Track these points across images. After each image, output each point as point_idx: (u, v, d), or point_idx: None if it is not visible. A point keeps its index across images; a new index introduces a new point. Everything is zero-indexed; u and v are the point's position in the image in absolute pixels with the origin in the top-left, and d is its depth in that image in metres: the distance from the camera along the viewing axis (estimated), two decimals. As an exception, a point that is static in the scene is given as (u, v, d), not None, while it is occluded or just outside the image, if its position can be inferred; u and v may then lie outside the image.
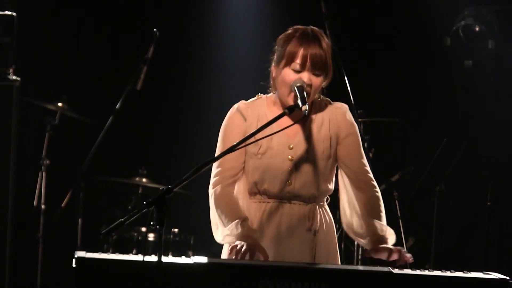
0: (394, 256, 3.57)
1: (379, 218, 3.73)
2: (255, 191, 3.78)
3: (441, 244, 7.05)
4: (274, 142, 3.73)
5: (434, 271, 3.36)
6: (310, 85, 3.65)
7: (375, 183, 3.81)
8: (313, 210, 3.77)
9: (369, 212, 3.73)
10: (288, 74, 3.68)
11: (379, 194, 3.80)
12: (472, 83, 7.23)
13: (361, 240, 3.78)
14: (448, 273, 3.34)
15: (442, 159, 6.85)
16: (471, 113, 7.32)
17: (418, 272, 3.40)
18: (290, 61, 3.68)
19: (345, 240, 6.39)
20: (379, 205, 3.77)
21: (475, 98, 7.27)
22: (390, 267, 3.37)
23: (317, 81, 3.68)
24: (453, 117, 7.39)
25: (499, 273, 3.41)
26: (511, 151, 7.19)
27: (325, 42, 3.72)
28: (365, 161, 3.83)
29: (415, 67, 7.44)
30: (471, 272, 3.37)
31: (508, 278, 3.36)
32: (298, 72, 3.66)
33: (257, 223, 3.74)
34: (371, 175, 3.81)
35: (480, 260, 7.26)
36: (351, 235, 3.85)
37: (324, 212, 3.83)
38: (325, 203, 3.86)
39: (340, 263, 4.01)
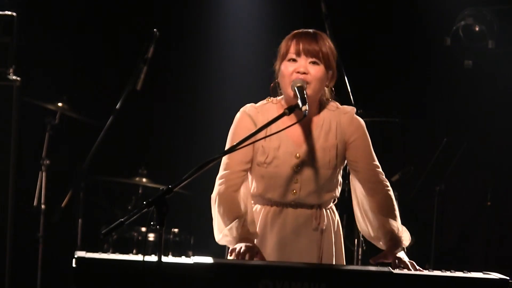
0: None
1: (394, 217, 3.71)
2: (259, 197, 3.77)
3: (441, 244, 7.04)
4: (281, 151, 3.71)
5: (434, 271, 3.36)
6: (306, 73, 3.62)
7: (387, 183, 3.77)
8: (319, 211, 3.76)
9: (383, 212, 3.71)
10: (286, 66, 3.67)
11: (392, 193, 3.77)
12: (472, 83, 7.22)
13: (377, 242, 3.76)
14: (448, 273, 3.34)
15: (442, 159, 6.85)
16: (471, 113, 7.31)
17: (418, 272, 3.40)
18: (285, 53, 3.69)
19: (345, 240, 6.37)
20: (393, 204, 3.74)
21: (475, 98, 7.26)
22: (390, 267, 3.37)
23: (315, 70, 3.65)
24: (453, 117, 7.38)
25: (499, 273, 3.41)
26: (511, 151, 7.18)
27: (325, 38, 3.71)
28: (376, 162, 3.78)
29: (415, 67, 7.43)
30: (471, 272, 3.37)
31: (508, 278, 3.36)
32: (294, 61, 3.66)
33: (262, 224, 3.74)
34: (383, 176, 3.78)
35: (480, 260, 7.26)
36: (368, 238, 3.84)
37: (331, 213, 3.82)
38: (332, 204, 3.84)
39: (345, 263, 4.00)
